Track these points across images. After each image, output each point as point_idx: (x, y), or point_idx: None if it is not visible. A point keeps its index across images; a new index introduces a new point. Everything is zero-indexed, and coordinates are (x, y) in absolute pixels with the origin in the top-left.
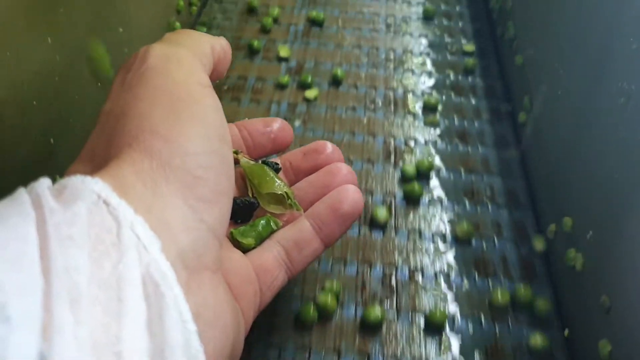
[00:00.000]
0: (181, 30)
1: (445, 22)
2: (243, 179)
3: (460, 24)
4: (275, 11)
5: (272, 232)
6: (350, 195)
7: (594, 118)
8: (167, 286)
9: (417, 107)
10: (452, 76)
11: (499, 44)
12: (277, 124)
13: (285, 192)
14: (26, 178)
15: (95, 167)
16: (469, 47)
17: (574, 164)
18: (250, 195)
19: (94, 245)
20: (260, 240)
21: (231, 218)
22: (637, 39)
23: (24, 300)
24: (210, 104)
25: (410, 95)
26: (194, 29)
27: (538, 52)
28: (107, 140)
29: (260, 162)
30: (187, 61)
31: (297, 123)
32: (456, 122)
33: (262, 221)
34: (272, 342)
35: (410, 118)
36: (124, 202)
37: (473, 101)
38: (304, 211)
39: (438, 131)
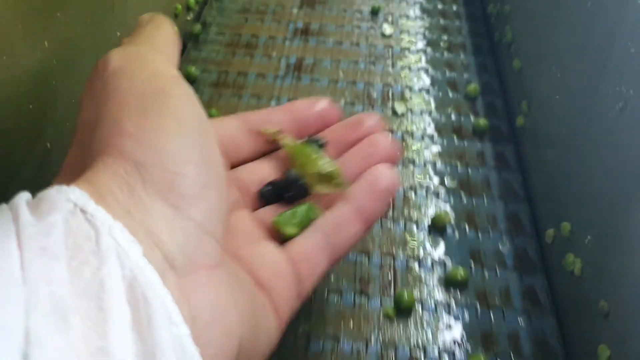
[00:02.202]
0: (138, 27)
1: (442, 21)
2: (285, 162)
3: (456, 23)
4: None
5: (314, 219)
6: (386, 172)
7: (592, 122)
8: (153, 291)
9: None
10: (447, 73)
11: (497, 48)
12: (323, 103)
13: (332, 171)
14: (22, 182)
15: (76, 178)
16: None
17: (572, 169)
18: (296, 172)
19: (72, 255)
20: (303, 228)
21: (284, 194)
22: (636, 43)
23: (5, 313)
24: (180, 94)
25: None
26: (191, 33)
27: (536, 56)
28: (83, 150)
29: (304, 140)
30: (149, 57)
31: None
32: (453, 117)
33: (303, 208)
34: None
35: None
36: (101, 209)
37: (469, 104)
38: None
39: (431, 122)
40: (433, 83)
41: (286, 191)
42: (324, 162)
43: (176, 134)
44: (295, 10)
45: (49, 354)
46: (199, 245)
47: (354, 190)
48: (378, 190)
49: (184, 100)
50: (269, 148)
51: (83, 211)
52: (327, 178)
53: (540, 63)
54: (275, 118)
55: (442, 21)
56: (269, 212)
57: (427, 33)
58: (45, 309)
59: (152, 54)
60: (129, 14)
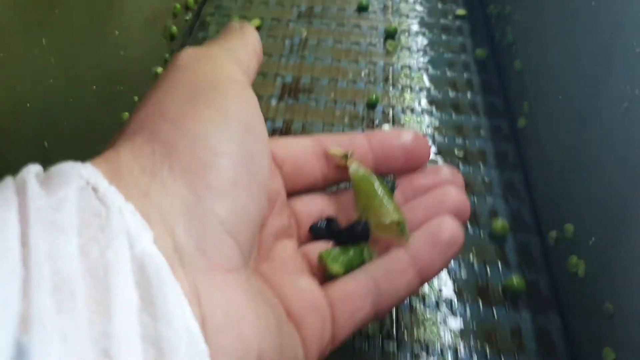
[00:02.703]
0: (224, 32)
1: (442, 20)
2: (349, 197)
3: (457, 23)
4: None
5: (364, 263)
6: (450, 224)
7: (596, 123)
8: (162, 278)
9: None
10: (448, 72)
11: (498, 49)
12: (409, 135)
13: (396, 222)
14: None
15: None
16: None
17: (576, 170)
18: (358, 212)
19: (80, 231)
20: (350, 269)
21: (338, 234)
22: None
23: (1, 290)
24: (236, 95)
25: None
26: (191, 33)
27: (537, 57)
28: (121, 132)
29: (372, 173)
30: (218, 58)
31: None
32: (453, 116)
33: (355, 249)
34: None
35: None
36: (113, 188)
37: (472, 115)
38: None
39: (436, 123)
40: (432, 81)
41: (341, 232)
42: (390, 209)
43: (217, 124)
44: (274, 103)
45: (49, 336)
46: (216, 242)
47: (414, 238)
48: (439, 242)
49: (238, 101)
50: (337, 177)
51: (95, 189)
52: (390, 225)
53: (542, 63)
54: (355, 143)
55: (442, 20)
56: (318, 249)
57: (426, 32)
58: (49, 287)
59: (223, 56)
60: (127, 12)
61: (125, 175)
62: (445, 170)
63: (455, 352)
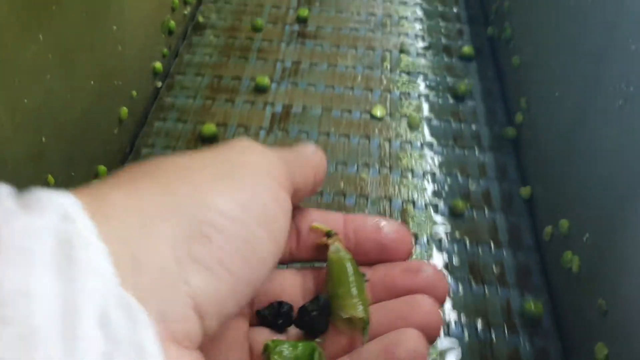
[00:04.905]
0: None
1: (441, 22)
2: (320, 280)
3: (454, 10)
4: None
5: None
6: (411, 340)
7: (591, 120)
8: (137, 326)
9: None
10: (448, 79)
11: (496, 45)
12: (392, 228)
13: (357, 319)
14: (17, 177)
15: None
16: (467, 49)
17: (571, 166)
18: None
19: (52, 266)
20: None
21: (278, 330)
22: (636, 40)
23: None
24: (262, 190)
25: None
26: (189, 28)
27: (535, 53)
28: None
29: (352, 260)
30: (266, 156)
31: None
32: (453, 125)
33: (307, 346)
34: None
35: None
36: (91, 225)
37: (469, 103)
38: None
39: (429, 132)
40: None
41: (290, 322)
42: (356, 302)
43: (232, 205)
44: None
45: None
46: (178, 314)
47: (367, 348)
48: (395, 358)
49: (264, 195)
50: (306, 255)
51: (72, 220)
52: (351, 321)
53: (539, 60)
54: (329, 221)
55: (440, 8)
56: (266, 335)
57: (425, 35)
58: (10, 327)
59: (273, 159)
60: (125, 8)
61: (109, 212)
62: (427, 272)
63: (447, 327)
